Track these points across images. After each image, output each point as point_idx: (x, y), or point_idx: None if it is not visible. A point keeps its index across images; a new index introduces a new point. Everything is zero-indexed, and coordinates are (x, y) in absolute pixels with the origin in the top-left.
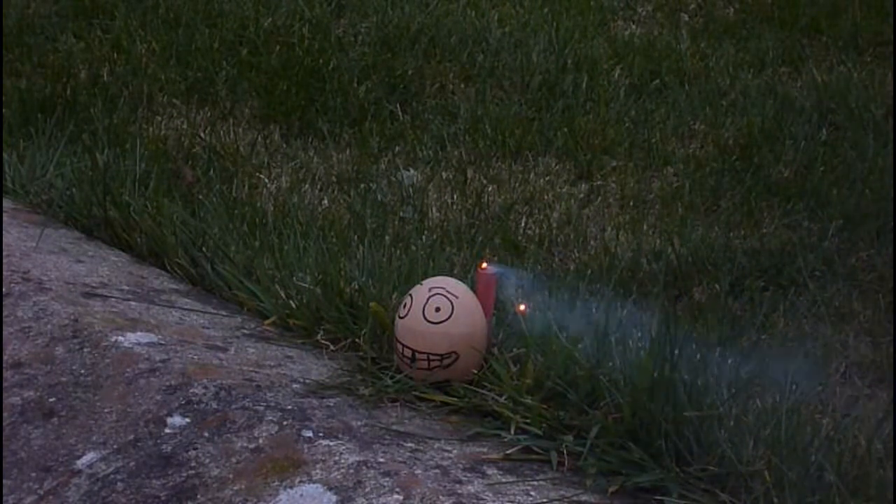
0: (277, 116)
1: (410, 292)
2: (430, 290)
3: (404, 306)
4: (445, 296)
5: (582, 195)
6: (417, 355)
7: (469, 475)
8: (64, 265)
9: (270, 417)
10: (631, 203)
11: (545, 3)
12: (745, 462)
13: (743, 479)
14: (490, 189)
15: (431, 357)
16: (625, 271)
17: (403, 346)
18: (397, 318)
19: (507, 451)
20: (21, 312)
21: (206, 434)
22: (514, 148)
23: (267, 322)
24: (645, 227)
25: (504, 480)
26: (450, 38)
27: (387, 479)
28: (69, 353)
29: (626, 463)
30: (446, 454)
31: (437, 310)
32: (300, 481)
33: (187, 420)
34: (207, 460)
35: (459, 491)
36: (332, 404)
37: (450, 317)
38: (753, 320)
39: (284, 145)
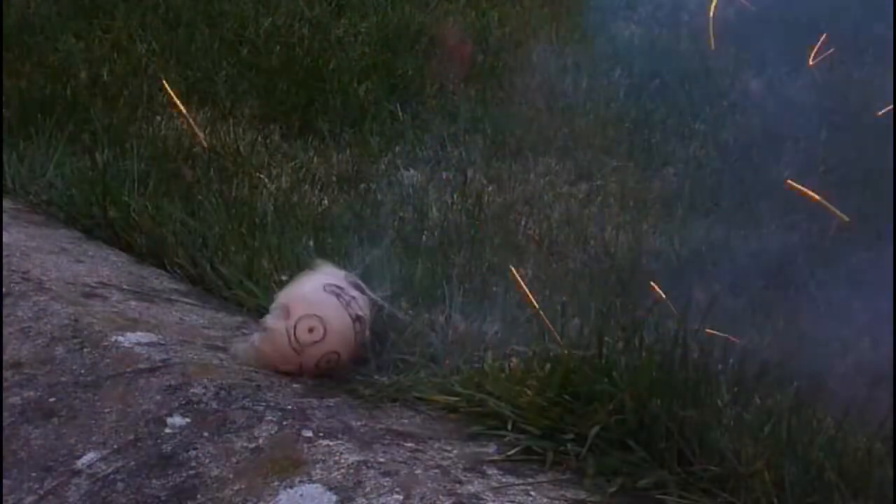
0: (277, 116)
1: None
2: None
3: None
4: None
5: (582, 195)
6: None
7: (469, 475)
8: (64, 265)
9: (270, 417)
10: (631, 203)
11: (545, 3)
12: (745, 462)
13: (743, 479)
14: (490, 189)
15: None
16: (625, 271)
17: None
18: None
19: (507, 452)
20: (21, 312)
21: (206, 434)
22: (514, 148)
23: None
24: (645, 227)
25: (504, 480)
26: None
27: (387, 479)
28: (69, 353)
29: (626, 463)
30: (446, 454)
31: (311, 331)
32: (300, 481)
33: (187, 420)
34: (207, 460)
35: (459, 491)
36: (332, 404)
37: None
38: (753, 320)
39: (284, 145)
